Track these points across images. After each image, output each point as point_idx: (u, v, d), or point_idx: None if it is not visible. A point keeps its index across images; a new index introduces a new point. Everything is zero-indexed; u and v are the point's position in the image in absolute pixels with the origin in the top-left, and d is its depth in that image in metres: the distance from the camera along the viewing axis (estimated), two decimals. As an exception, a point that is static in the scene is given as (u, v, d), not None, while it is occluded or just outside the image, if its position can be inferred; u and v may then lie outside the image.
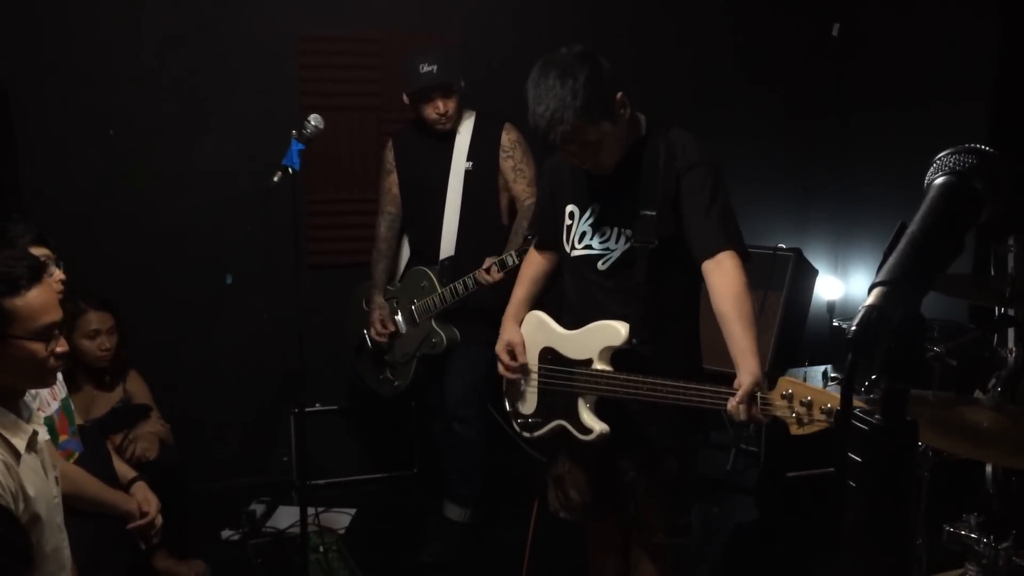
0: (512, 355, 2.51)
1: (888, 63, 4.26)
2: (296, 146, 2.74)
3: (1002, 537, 2.23)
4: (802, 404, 1.95)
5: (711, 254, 2.19)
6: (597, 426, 2.32)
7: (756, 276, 3.70)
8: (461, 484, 3.46)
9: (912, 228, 0.78)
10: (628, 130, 2.27)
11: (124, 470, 2.64)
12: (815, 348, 3.84)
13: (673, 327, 2.34)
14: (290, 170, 2.73)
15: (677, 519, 2.44)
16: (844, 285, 4.35)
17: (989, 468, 2.63)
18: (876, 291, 0.76)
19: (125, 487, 2.55)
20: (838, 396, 1.79)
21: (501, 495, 3.53)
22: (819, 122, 4.44)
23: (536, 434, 2.51)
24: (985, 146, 0.87)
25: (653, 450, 2.38)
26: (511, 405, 2.59)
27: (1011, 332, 3.04)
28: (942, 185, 0.85)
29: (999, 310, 3.01)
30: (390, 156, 3.48)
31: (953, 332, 3.36)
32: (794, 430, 1.99)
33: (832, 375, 3.56)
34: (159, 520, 2.51)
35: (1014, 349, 3.05)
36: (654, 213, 2.24)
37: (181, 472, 3.11)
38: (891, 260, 0.76)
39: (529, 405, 2.53)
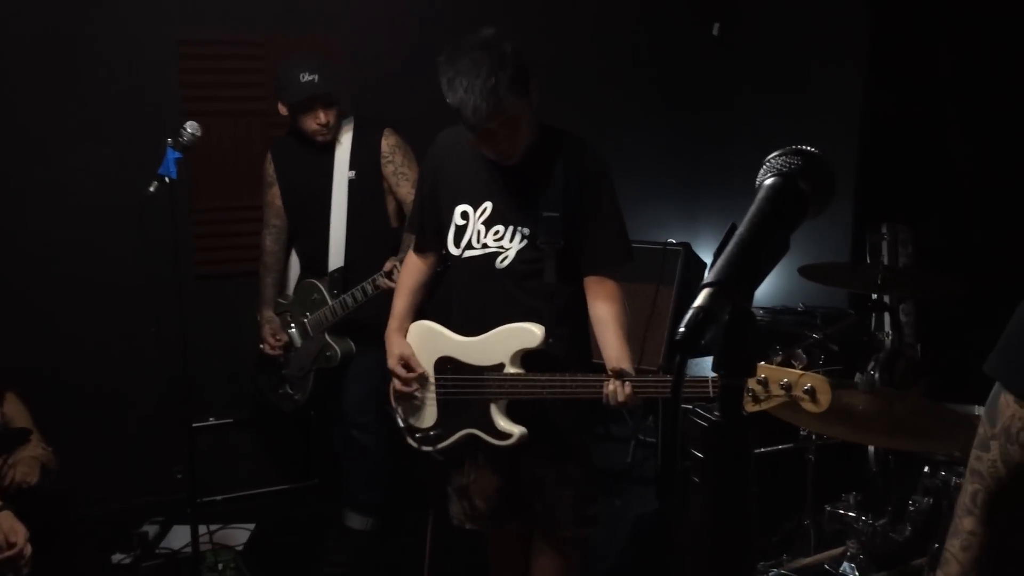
0: (407, 367, 2.45)
1: (768, 60, 4.41)
2: (172, 155, 2.66)
3: (879, 514, 2.34)
4: (759, 382, 1.98)
5: (601, 268, 2.30)
6: (516, 430, 2.30)
7: (647, 271, 3.81)
8: (362, 492, 3.43)
9: (740, 229, 0.81)
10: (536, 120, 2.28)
11: None
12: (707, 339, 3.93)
13: (574, 325, 2.37)
14: (166, 179, 2.65)
15: (586, 510, 2.45)
16: (734, 277, 4.47)
17: (872, 448, 2.75)
18: (704, 292, 0.78)
19: None
20: (794, 371, 1.87)
21: (404, 501, 3.50)
22: (705, 117, 4.56)
23: (440, 446, 2.45)
24: (810, 148, 0.91)
25: (563, 445, 2.39)
26: (405, 420, 2.52)
27: (887, 316, 3.19)
28: (769, 187, 0.88)
29: (874, 296, 3.15)
30: (270, 169, 3.41)
31: (834, 318, 3.50)
32: (750, 407, 2.04)
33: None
34: (28, 550, 2.40)
35: (890, 333, 3.20)
36: (559, 215, 2.25)
37: (66, 497, 2.98)
38: (719, 261, 0.79)
39: (428, 418, 2.47)
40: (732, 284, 0.78)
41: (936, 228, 3.30)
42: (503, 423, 2.31)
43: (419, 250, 2.55)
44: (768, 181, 0.89)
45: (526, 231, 2.29)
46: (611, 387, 2.12)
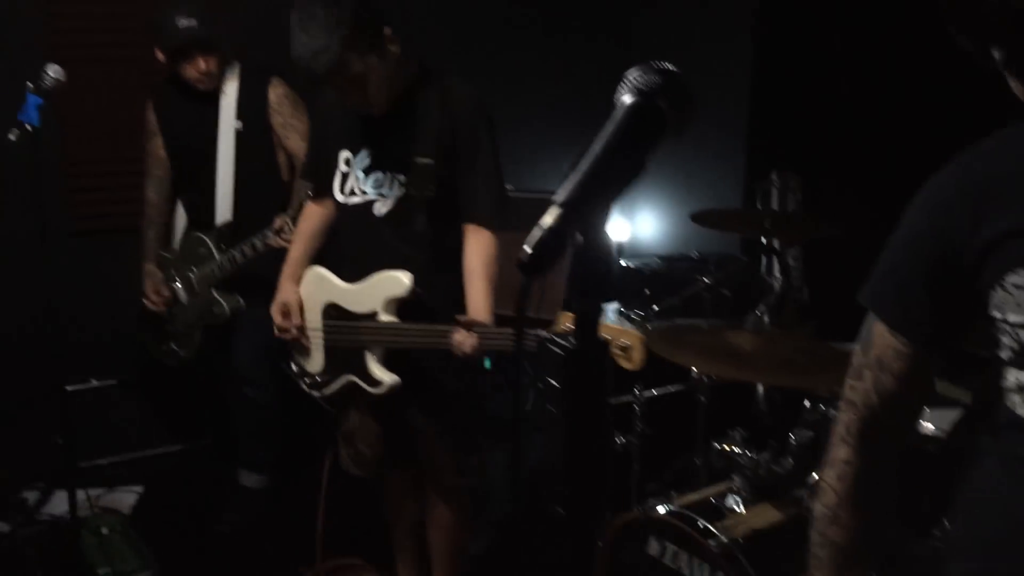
0: (286, 316, 2.45)
1: (660, 12, 4.41)
2: (33, 100, 2.49)
3: (762, 448, 2.41)
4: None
5: (475, 218, 2.27)
6: (387, 378, 2.30)
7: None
8: (255, 449, 3.37)
9: (594, 147, 0.77)
10: (398, 69, 2.22)
11: None
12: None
13: (452, 274, 2.34)
14: (28, 127, 2.48)
15: (467, 460, 2.48)
16: (631, 226, 4.50)
17: (761, 387, 2.83)
18: (553, 212, 0.75)
19: None
20: (615, 328, 1.89)
21: (299, 456, 3.45)
22: (598, 68, 4.54)
23: (325, 392, 2.48)
24: (670, 65, 0.88)
25: (441, 395, 2.40)
26: (297, 365, 2.54)
27: (775, 261, 3.26)
28: (627, 105, 0.85)
29: (763, 240, 3.22)
30: (152, 117, 3.26)
31: (727, 264, 3.57)
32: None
33: (622, 311, 3.71)
34: None
35: (779, 277, 3.28)
36: (431, 162, 2.23)
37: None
38: (570, 180, 0.75)
39: (316, 363, 2.49)
40: (584, 205, 0.75)
41: (823, 175, 3.38)
42: (376, 371, 2.31)
43: (316, 196, 2.52)
44: (626, 99, 0.86)
45: (402, 178, 2.27)
46: (458, 337, 2.12)
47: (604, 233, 0.77)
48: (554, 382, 1.75)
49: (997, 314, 1.09)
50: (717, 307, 3.25)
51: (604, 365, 0.67)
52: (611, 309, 3.76)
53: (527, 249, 0.74)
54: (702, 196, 3.98)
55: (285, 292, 2.48)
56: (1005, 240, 1.06)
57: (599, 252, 0.76)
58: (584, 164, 0.75)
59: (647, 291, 3.55)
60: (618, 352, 1.89)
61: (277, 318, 2.46)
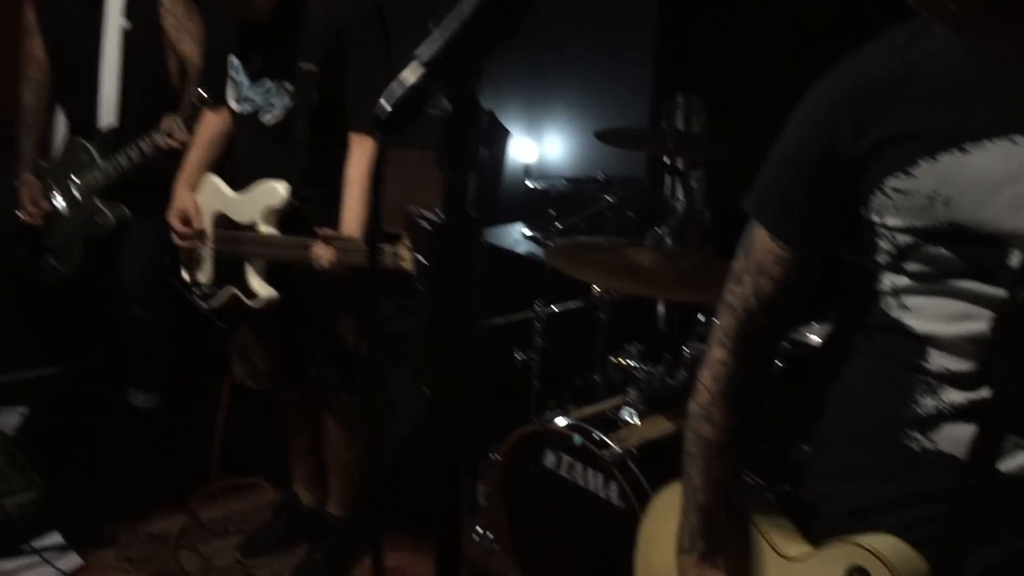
0: (185, 223, 2.37)
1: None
2: None
3: (657, 362, 2.45)
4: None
5: (359, 125, 2.19)
6: (263, 291, 2.25)
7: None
8: (145, 368, 3.25)
9: (463, 5, 0.72)
10: None
11: None
12: (512, 208, 3.94)
13: (339, 187, 2.26)
14: None
15: (357, 378, 2.45)
16: (539, 147, 4.47)
17: (661, 306, 2.87)
18: (415, 69, 0.70)
19: None
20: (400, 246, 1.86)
21: (192, 375, 3.36)
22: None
23: (212, 303, 2.43)
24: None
25: (327, 312, 2.36)
26: (190, 275, 2.48)
27: (678, 183, 3.28)
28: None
29: (667, 162, 3.23)
30: (30, 15, 3.04)
31: (631, 185, 3.59)
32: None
33: (527, 233, 3.70)
34: None
35: (681, 199, 3.30)
36: (315, 68, 2.14)
37: None
38: (434, 37, 0.70)
39: (206, 274, 2.43)
40: (449, 64, 0.70)
41: (728, 98, 3.40)
42: (254, 283, 2.26)
43: (212, 104, 2.42)
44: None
45: (289, 87, 2.18)
46: (317, 250, 2.06)
47: (476, 101, 0.72)
48: (422, 259, 1.71)
49: (876, 218, 1.09)
50: (620, 227, 3.26)
51: (475, 240, 0.63)
52: (517, 229, 3.76)
53: (385, 106, 0.69)
54: (610, 119, 3.97)
55: (182, 199, 2.40)
56: (886, 144, 1.06)
57: (469, 119, 0.72)
58: (451, 23, 0.70)
59: (552, 212, 3.54)
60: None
61: (176, 224, 2.39)
